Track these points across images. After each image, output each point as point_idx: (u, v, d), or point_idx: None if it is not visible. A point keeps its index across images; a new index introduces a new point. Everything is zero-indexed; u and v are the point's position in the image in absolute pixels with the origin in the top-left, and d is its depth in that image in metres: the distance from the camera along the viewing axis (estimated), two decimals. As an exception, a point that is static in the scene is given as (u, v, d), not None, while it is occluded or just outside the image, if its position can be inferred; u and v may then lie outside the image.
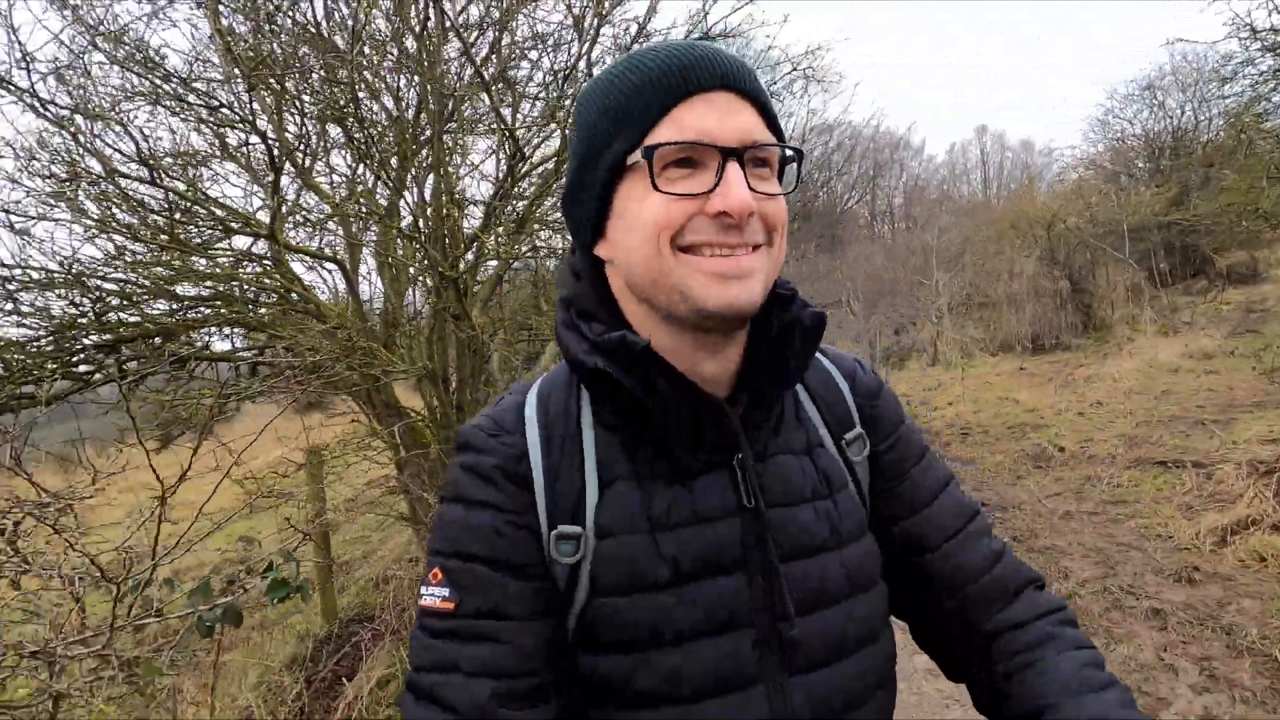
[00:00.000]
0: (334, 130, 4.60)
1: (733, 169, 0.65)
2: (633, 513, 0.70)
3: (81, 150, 3.03)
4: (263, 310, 4.40)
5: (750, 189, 0.65)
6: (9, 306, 3.85)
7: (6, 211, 3.55)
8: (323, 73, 3.88)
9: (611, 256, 0.73)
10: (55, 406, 3.86)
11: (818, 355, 0.85)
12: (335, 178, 5.11)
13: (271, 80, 3.50)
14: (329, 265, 4.72)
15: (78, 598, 2.01)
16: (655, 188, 0.65)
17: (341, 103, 3.38)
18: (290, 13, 4.10)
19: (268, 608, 4.80)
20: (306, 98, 4.03)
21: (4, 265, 3.70)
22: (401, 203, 4.54)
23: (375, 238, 4.93)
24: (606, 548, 0.69)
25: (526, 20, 4.68)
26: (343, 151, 4.91)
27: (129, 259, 4.13)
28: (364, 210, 4.28)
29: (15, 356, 3.49)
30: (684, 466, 0.72)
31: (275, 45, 3.90)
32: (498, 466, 0.71)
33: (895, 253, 17.03)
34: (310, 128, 4.30)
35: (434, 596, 0.68)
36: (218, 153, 4.58)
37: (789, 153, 0.71)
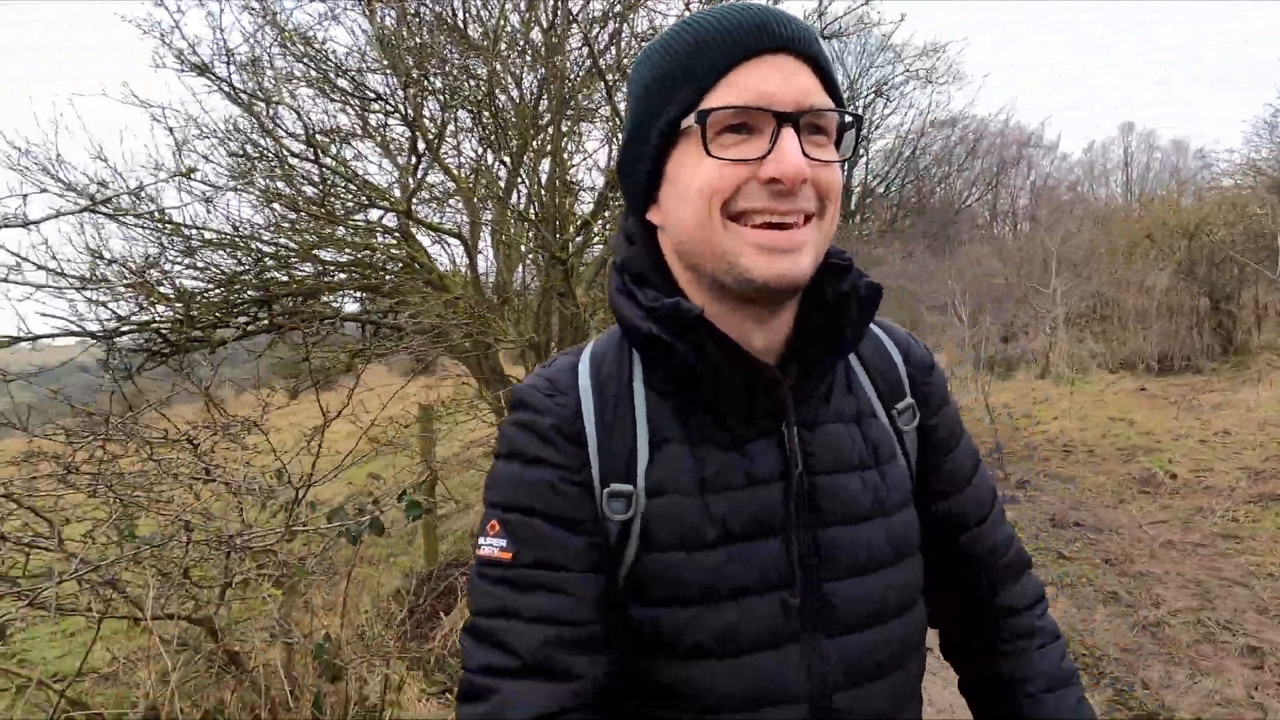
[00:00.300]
0: (461, 114, 5.02)
1: (787, 134, 0.64)
2: (683, 474, 0.71)
3: (262, 131, 3.51)
4: (389, 277, 4.90)
5: (805, 155, 0.64)
6: (187, 261, 4.51)
7: (192, 179, 4.16)
8: (460, 64, 4.26)
9: (663, 222, 0.73)
10: (213, 350, 4.50)
11: (870, 325, 0.85)
12: (461, 159, 5.55)
13: (414, 71, 3.90)
14: (451, 240, 5.14)
15: (244, 506, 2.44)
16: (708, 153, 0.65)
17: (479, 95, 3.71)
18: (432, 4, 4.50)
19: (379, 545, 5.35)
20: (440, 84, 4.44)
21: (187, 226, 4.33)
22: (518, 184, 4.90)
23: (492, 216, 5.33)
24: (657, 506, 0.71)
25: (647, 15, 4.89)
26: (469, 135, 5.33)
27: (285, 225, 4.71)
28: (485, 191, 4.65)
29: (197, 305, 4.09)
30: (735, 431, 0.73)
31: (419, 38, 4.31)
32: (555, 425, 0.72)
33: (1012, 256, 16.11)
34: (444, 114, 4.71)
35: (492, 546, 0.70)
36: (359, 131, 5.09)
37: (848, 118, 0.69)
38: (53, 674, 2.33)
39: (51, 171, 3.67)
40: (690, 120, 0.65)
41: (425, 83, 3.82)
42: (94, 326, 3.90)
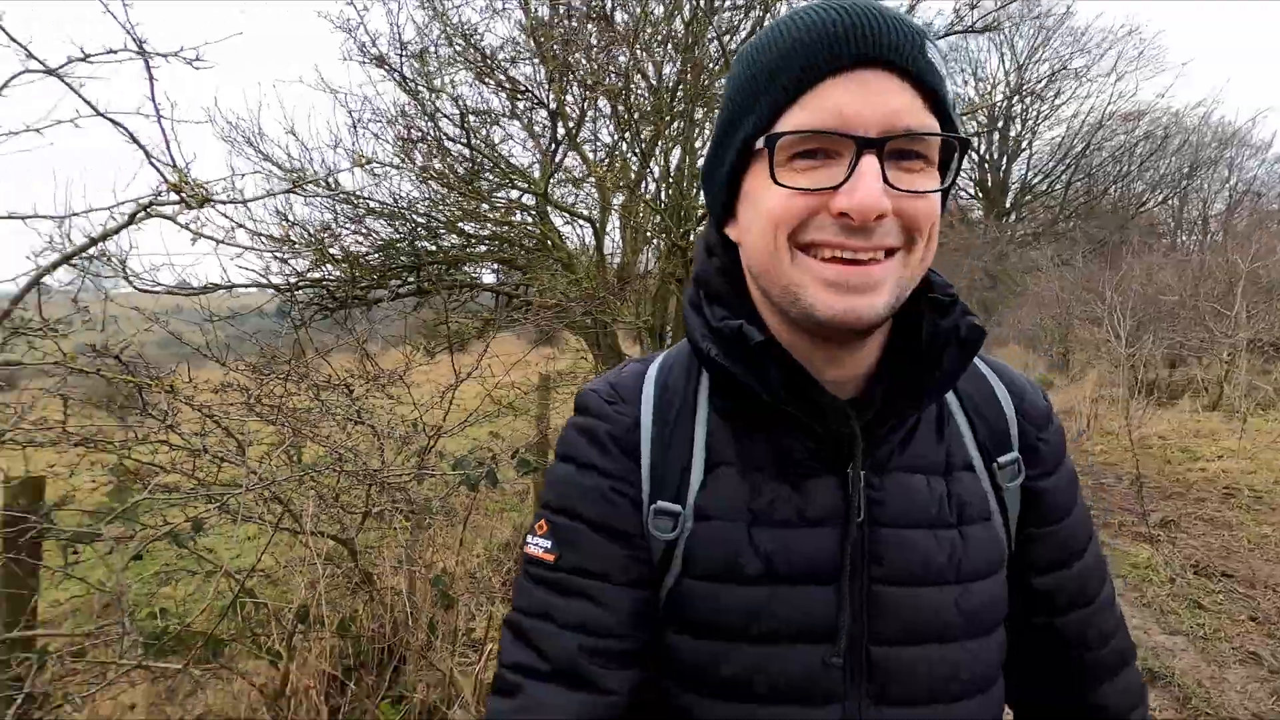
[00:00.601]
0: (600, 103, 5.25)
1: (867, 163, 0.56)
2: (734, 501, 0.67)
3: (424, 115, 3.92)
4: (522, 252, 5.27)
5: (890, 185, 0.57)
6: (353, 227, 5.08)
7: (367, 160, 4.68)
8: (605, 53, 4.48)
9: (739, 239, 0.68)
10: (369, 309, 5.05)
11: (981, 365, 0.78)
12: (597, 144, 5.81)
13: (559, 61, 4.15)
14: (582, 222, 5.42)
15: (385, 448, 2.80)
16: (775, 180, 0.59)
17: (620, 85, 3.90)
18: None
19: (494, 499, 5.81)
20: (583, 73, 4.68)
21: (358, 197, 4.87)
22: (648, 173, 5.08)
23: (622, 201, 5.56)
24: (703, 531, 0.67)
25: (786, 5, 4.87)
26: (606, 120, 5.57)
27: (436, 199, 5.19)
28: (618, 178, 4.87)
29: (360, 267, 4.62)
30: (795, 465, 0.68)
31: (567, 28, 4.56)
32: (610, 433, 0.70)
33: (1191, 271, 14.31)
34: (584, 102, 4.97)
35: (538, 546, 0.69)
36: (507, 114, 5.47)
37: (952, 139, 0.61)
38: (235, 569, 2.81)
39: (254, 144, 4.30)
40: (760, 143, 0.60)
41: (571, 73, 4.06)
42: (278, 280, 4.54)
